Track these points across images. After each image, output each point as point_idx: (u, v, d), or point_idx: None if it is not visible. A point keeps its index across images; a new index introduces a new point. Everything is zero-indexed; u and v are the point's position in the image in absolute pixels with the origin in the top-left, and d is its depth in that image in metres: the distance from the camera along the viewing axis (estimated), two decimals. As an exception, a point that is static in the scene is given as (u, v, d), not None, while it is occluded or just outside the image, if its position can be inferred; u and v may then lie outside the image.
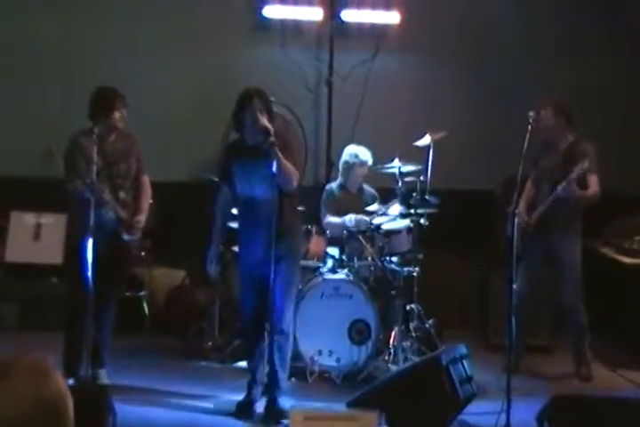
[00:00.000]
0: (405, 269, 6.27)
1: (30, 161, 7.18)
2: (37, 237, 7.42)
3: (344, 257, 6.27)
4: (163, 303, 7.22)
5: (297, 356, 5.90)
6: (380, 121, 7.67)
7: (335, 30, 7.65)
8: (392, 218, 6.35)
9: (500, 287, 5.98)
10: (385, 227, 6.36)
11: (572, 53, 7.72)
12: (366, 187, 6.75)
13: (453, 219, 6.95)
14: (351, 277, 6.13)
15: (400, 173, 6.30)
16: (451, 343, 5.49)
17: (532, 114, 5.23)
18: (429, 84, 7.84)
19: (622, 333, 6.78)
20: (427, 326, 6.34)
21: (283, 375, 5.19)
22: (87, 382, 5.06)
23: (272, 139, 4.91)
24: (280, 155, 4.92)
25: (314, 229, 6.30)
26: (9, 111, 7.47)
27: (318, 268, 6.28)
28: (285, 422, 4.85)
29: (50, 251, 7.24)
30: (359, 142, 6.83)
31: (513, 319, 4.83)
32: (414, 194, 6.29)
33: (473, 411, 5.05)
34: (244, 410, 5.21)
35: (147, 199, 5.72)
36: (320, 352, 5.98)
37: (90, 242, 4.91)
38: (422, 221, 6.29)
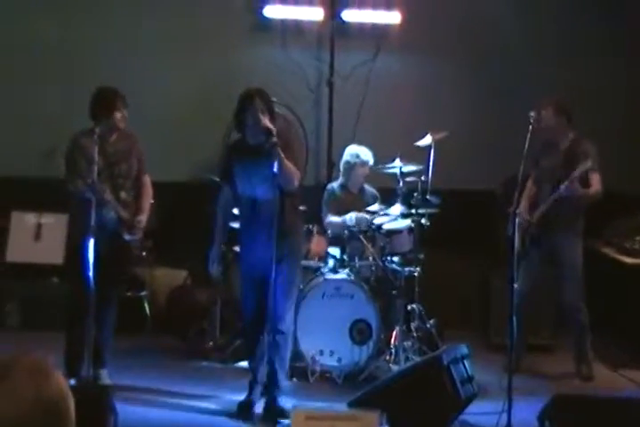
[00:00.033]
0: (406, 269, 6.27)
1: (31, 161, 7.17)
2: (38, 237, 7.42)
3: (345, 257, 6.27)
4: (164, 303, 7.22)
5: (298, 356, 5.91)
6: (381, 121, 7.67)
7: (336, 30, 7.65)
8: (393, 218, 6.35)
9: (501, 287, 5.97)
10: (386, 227, 6.36)
11: (573, 53, 7.71)
12: (367, 187, 6.75)
13: (454, 219, 6.95)
14: (352, 277, 6.13)
15: (401, 173, 6.30)
16: (452, 343, 5.49)
17: (532, 114, 5.23)
18: (430, 84, 7.84)
19: (623, 332, 6.78)
20: (428, 325, 6.34)
21: (282, 375, 5.18)
22: (88, 382, 5.05)
23: (274, 139, 4.91)
24: (282, 155, 4.93)
25: (315, 229, 6.30)
26: (9, 111, 7.48)
27: (319, 268, 6.28)
28: (285, 421, 4.84)
29: (51, 251, 7.25)
30: (360, 142, 6.83)
31: (514, 319, 4.83)
32: (415, 194, 6.29)
33: (474, 411, 5.04)
34: (245, 410, 5.20)
35: (148, 199, 5.72)
36: (321, 352, 5.97)
37: (91, 242, 4.91)
38: (423, 221, 6.29)
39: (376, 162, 6.58)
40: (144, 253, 6.63)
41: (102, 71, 7.04)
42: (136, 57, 7.50)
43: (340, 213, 6.54)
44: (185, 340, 6.77)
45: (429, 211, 6.32)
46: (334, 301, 6.04)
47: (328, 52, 7.67)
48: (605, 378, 6.13)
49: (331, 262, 6.28)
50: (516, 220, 5.01)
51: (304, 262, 5.88)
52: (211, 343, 6.60)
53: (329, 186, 6.83)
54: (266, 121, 4.99)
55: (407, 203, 6.31)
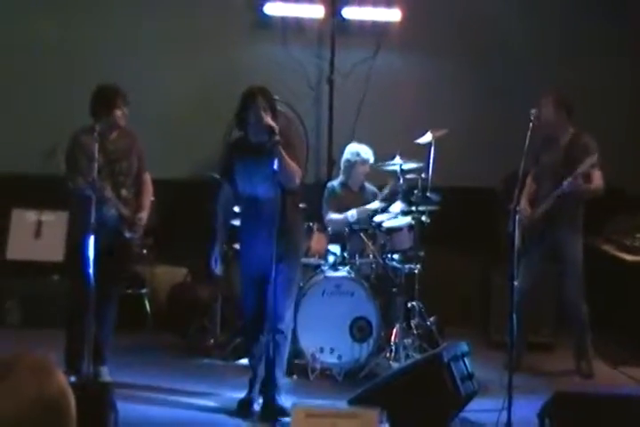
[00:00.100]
0: (407, 266, 6.27)
1: (31, 159, 7.17)
2: (38, 235, 7.43)
3: (345, 254, 6.28)
4: (164, 301, 7.23)
5: (298, 353, 5.91)
6: (381, 119, 7.67)
7: (336, 28, 7.65)
8: (393, 215, 6.35)
9: (502, 284, 5.97)
10: (386, 224, 6.37)
11: (575, 53, 7.71)
12: (367, 185, 6.75)
13: (455, 216, 6.95)
14: (352, 275, 6.14)
15: (401, 170, 6.31)
16: (452, 341, 5.50)
17: (534, 112, 5.22)
18: (431, 81, 7.84)
19: (623, 330, 6.78)
20: (428, 323, 6.35)
21: (279, 373, 5.18)
22: (89, 379, 5.05)
23: (277, 137, 4.91)
24: (283, 153, 4.93)
25: (315, 227, 6.30)
26: (9, 110, 7.48)
27: (319, 265, 6.28)
28: (284, 419, 4.85)
29: (51, 248, 7.25)
30: (360, 140, 6.83)
31: (514, 317, 4.82)
32: (416, 191, 6.29)
33: (474, 408, 5.05)
34: (244, 408, 5.21)
35: (148, 197, 5.72)
36: (321, 350, 5.98)
37: (91, 240, 4.91)
38: (424, 218, 6.29)
39: (376, 160, 6.58)
40: (144, 251, 6.65)
41: (102, 71, 7.01)
42: (136, 56, 7.49)
43: (341, 210, 6.54)
44: (185, 337, 6.78)
45: (430, 208, 6.32)
46: (334, 298, 6.04)
47: (328, 49, 7.67)
48: (605, 375, 6.13)
49: (331, 260, 6.28)
50: (517, 217, 5.01)
51: (304, 260, 5.87)
52: (211, 341, 6.61)
53: (329, 184, 6.83)
54: (268, 119, 4.98)
55: (407, 200, 6.31)
